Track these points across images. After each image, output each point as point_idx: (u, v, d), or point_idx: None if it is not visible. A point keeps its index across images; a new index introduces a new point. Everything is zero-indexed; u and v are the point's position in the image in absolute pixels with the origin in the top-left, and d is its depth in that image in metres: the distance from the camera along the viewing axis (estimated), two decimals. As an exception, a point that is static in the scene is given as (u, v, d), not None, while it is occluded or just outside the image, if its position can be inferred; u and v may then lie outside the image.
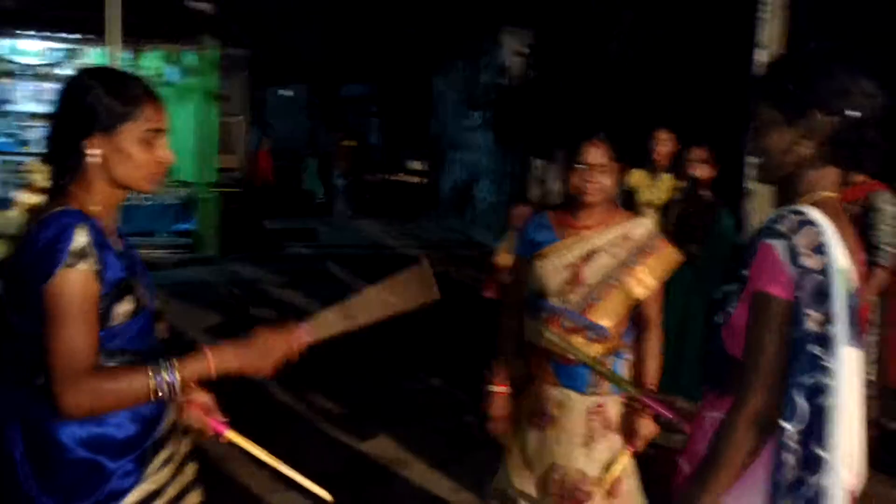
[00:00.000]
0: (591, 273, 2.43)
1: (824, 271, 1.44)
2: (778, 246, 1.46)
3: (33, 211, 1.64)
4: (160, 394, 1.53)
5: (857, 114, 1.48)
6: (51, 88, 11.08)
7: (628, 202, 4.62)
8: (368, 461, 4.07)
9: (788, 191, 1.58)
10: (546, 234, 2.54)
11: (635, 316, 2.52)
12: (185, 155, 10.57)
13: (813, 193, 1.54)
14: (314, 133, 23.76)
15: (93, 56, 10.24)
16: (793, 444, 1.44)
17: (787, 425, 1.44)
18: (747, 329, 1.48)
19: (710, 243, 4.13)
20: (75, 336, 1.49)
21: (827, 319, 1.43)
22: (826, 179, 1.54)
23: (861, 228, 3.85)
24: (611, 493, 2.45)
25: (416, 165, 20.59)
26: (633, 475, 2.54)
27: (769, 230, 1.48)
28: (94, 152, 1.60)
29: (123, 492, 1.60)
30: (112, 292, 1.58)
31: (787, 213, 1.50)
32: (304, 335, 1.69)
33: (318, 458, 3.06)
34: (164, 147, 1.66)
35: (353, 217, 14.01)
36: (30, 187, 1.69)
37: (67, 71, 10.86)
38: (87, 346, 1.51)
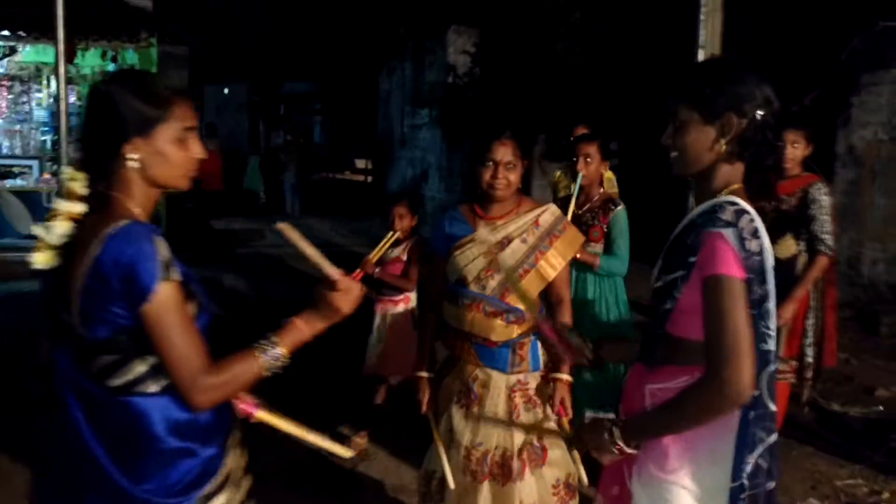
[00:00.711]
0: (505, 259, 2.59)
1: (761, 253, 1.61)
2: (727, 233, 1.58)
3: (77, 220, 1.66)
4: (272, 369, 1.63)
5: (763, 116, 1.65)
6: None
7: (552, 199, 4.61)
8: (330, 454, 4.11)
9: (705, 184, 1.74)
10: (460, 227, 2.71)
11: (546, 295, 2.71)
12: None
13: (730, 186, 1.70)
14: (254, 132, 23.51)
15: (30, 53, 10.00)
16: (760, 409, 1.62)
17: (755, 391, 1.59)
18: (707, 311, 1.58)
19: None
20: (187, 344, 1.57)
21: (765, 295, 1.61)
22: (737, 173, 1.71)
23: (799, 218, 4.04)
24: (536, 462, 2.62)
25: (362, 164, 20.57)
26: (562, 445, 2.69)
27: (714, 220, 1.61)
28: (133, 156, 1.64)
29: (210, 475, 1.70)
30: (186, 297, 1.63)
31: (723, 204, 1.64)
32: (357, 276, 1.75)
33: (279, 452, 3.10)
34: (196, 143, 1.72)
35: (301, 216, 13.94)
36: (68, 195, 1.68)
37: (0, 69, 10.59)
38: (198, 349, 1.58)
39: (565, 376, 2.66)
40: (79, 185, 1.67)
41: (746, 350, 1.54)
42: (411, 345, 4.21)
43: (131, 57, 10.24)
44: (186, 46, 13.60)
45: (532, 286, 2.60)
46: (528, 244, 2.63)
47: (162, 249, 1.56)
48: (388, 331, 4.30)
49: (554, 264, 2.65)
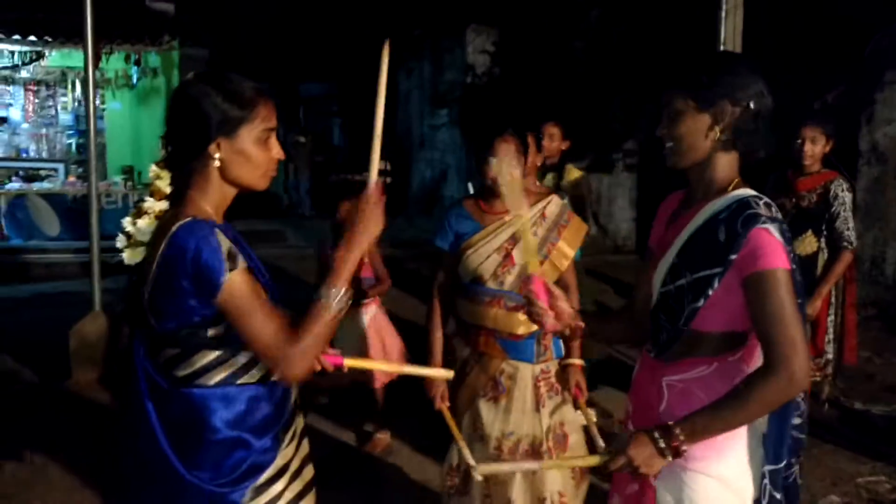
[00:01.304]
0: (520, 253, 2.66)
1: (791, 243, 1.66)
2: (772, 228, 1.62)
3: (161, 217, 1.73)
4: (344, 309, 1.64)
5: (756, 106, 1.69)
6: (12, 91, 10.94)
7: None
8: (354, 449, 4.17)
9: (702, 176, 1.76)
10: (468, 224, 2.77)
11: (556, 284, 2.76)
12: (152, 158, 10.50)
13: (733, 181, 1.73)
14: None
15: (56, 58, 10.14)
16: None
17: None
18: (765, 304, 1.59)
19: None
20: (263, 325, 1.61)
21: (799, 286, 1.64)
22: (734, 165, 1.74)
23: (819, 215, 4.04)
24: (561, 448, 2.74)
25: (381, 165, 20.63)
26: (580, 430, 2.80)
27: (756, 216, 1.63)
28: (217, 156, 1.68)
29: (263, 466, 1.73)
30: None
31: (749, 200, 1.67)
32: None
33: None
34: (276, 145, 1.75)
35: (316, 217, 13.99)
36: (155, 194, 1.77)
37: (27, 74, 10.75)
38: (275, 326, 1.62)
39: (578, 361, 2.77)
40: (164, 182, 1.74)
41: (804, 339, 1.58)
42: (392, 343, 4.26)
43: (154, 60, 10.39)
44: (206, 49, 13.74)
45: (548, 277, 2.62)
46: (539, 237, 2.72)
47: (223, 241, 1.61)
48: (370, 333, 4.30)
49: (566, 254, 2.76)
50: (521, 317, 2.65)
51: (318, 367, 1.89)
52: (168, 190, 1.74)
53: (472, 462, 2.60)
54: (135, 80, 10.45)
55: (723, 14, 6.00)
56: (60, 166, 10.35)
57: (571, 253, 2.79)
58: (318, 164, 15.57)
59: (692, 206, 1.80)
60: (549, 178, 4.60)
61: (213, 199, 1.72)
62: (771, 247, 1.60)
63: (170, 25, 10.13)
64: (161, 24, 10.07)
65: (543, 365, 2.75)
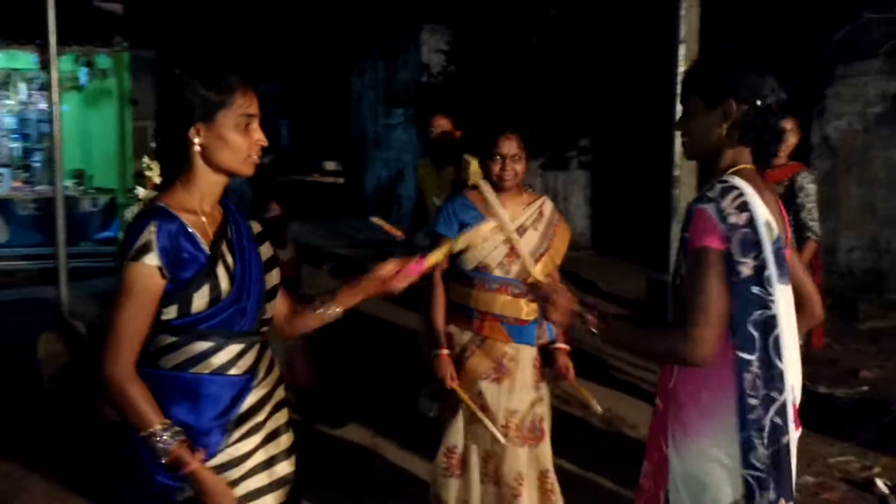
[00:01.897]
0: (524, 246, 2.86)
1: (750, 225, 1.73)
2: (708, 208, 1.74)
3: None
4: (147, 442, 1.68)
5: (763, 103, 1.80)
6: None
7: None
8: (344, 445, 4.16)
9: (711, 166, 1.89)
10: (472, 213, 2.90)
11: None
12: (102, 161, 10.28)
13: (734, 167, 1.84)
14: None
15: (0, 60, 9.83)
16: (754, 370, 1.74)
17: (748, 356, 1.73)
18: (688, 277, 1.75)
19: None
20: (126, 318, 1.68)
21: (761, 265, 1.72)
22: (741, 155, 1.86)
23: (787, 205, 4.18)
24: (548, 423, 3.01)
25: (331, 166, 20.46)
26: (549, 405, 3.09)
27: (700, 197, 1.78)
28: (196, 141, 1.75)
29: (209, 448, 1.76)
30: (189, 282, 1.73)
31: (713, 183, 1.80)
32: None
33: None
34: (258, 131, 1.80)
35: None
36: (147, 182, 1.87)
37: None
38: (134, 329, 1.69)
39: (564, 345, 3.02)
40: (154, 173, 1.80)
41: (713, 317, 1.70)
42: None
43: (104, 61, 10.13)
44: (154, 50, 13.45)
45: (546, 269, 2.91)
46: (539, 232, 2.92)
47: (148, 234, 1.68)
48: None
49: (560, 250, 2.99)
50: (524, 303, 2.85)
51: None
52: (158, 180, 1.83)
53: (497, 432, 2.80)
54: (83, 82, 10.18)
55: (682, 12, 6.14)
56: (6, 171, 10.01)
57: (563, 249, 3.00)
58: (263, 165, 15.35)
59: None
60: (450, 171, 4.59)
61: (198, 187, 1.79)
62: (701, 225, 1.73)
63: (121, 26, 9.90)
64: (112, 25, 9.84)
65: (536, 349, 2.98)
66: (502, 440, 2.80)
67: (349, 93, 15.21)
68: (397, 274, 1.96)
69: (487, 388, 2.87)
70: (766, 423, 1.74)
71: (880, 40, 5.99)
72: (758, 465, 1.74)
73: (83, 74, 10.17)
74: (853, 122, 6.71)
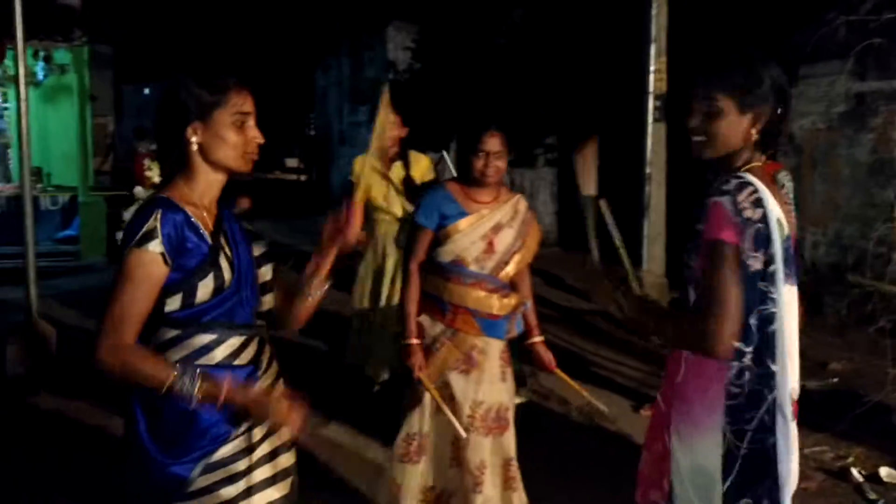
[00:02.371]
0: (500, 242, 2.93)
1: (763, 220, 1.75)
2: (725, 201, 1.76)
3: None
4: (173, 390, 1.69)
5: (784, 110, 1.84)
6: None
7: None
8: (326, 446, 4.12)
9: (728, 163, 1.88)
10: (453, 206, 2.94)
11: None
12: (61, 158, 10.04)
13: (749, 164, 1.85)
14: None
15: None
16: (747, 362, 1.77)
17: (745, 348, 1.76)
18: (703, 271, 1.77)
19: None
20: (123, 308, 1.70)
21: (769, 260, 1.75)
22: (755, 155, 1.87)
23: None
24: (512, 412, 3.05)
25: (293, 163, 20.29)
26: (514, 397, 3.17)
27: (717, 190, 1.78)
28: (194, 139, 1.79)
29: (216, 442, 1.78)
30: (195, 271, 1.75)
31: (729, 177, 1.81)
32: (302, 422, 1.84)
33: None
34: (253, 128, 1.84)
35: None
36: (146, 182, 1.88)
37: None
38: (132, 315, 1.71)
39: (539, 338, 3.13)
40: (154, 173, 1.81)
41: (731, 309, 1.72)
42: None
43: (63, 56, 9.89)
44: (111, 45, 13.18)
45: (520, 265, 3.01)
46: (514, 229, 2.97)
47: (153, 221, 1.71)
48: None
49: (532, 248, 3.05)
50: (497, 298, 2.93)
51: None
52: (157, 180, 1.85)
53: (460, 428, 2.84)
54: (41, 77, 9.92)
55: (653, 11, 6.22)
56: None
57: (535, 248, 3.07)
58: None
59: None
60: (398, 167, 4.57)
61: (198, 185, 1.83)
62: (717, 218, 1.75)
63: (80, 21, 9.67)
64: (71, 19, 9.60)
65: (504, 342, 3.03)
66: (463, 434, 2.84)
67: (313, 90, 15.10)
68: (338, 225, 1.96)
69: (455, 379, 2.93)
70: (755, 418, 1.78)
71: (845, 41, 6.13)
72: (734, 455, 1.80)
73: (41, 70, 9.91)
74: (817, 121, 6.87)
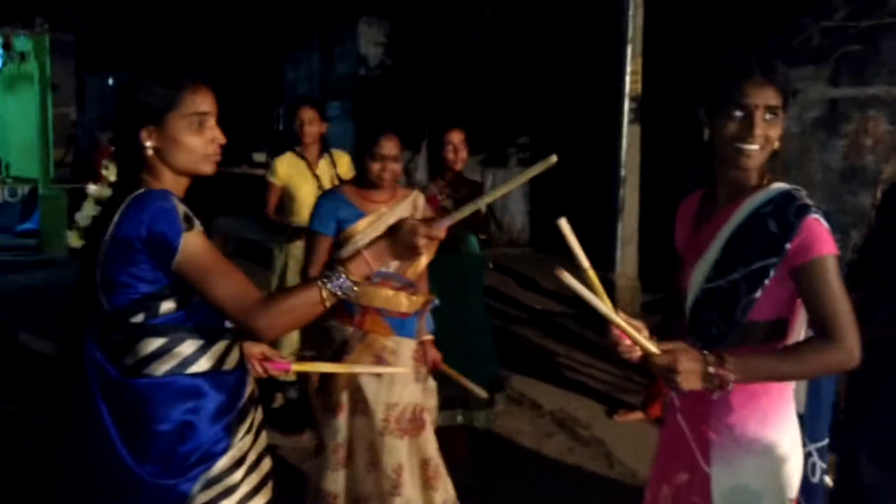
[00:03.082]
0: None
1: None
2: (821, 217, 1.70)
3: (104, 203, 1.70)
4: (336, 298, 1.63)
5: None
6: None
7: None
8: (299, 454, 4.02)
9: (757, 175, 1.80)
10: (349, 209, 2.93)
11: None
12: (21, 148, 9.76)
13: (766, 176, 1.79)
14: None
15: None
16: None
17: None
18: (822, 289, 1.67)
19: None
20: (229, 280, 1.62)
21: None
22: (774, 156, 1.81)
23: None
24: (428, 412, 3.05)
25: (261, 157, 19.99)
26: (434, 395, 3.18)
27: (807, 207, 1.70)
28: (147, 144, 1.68)
29: (215, 456, 1.71)
30: None
31: (791, 192, 1.74)
32: (443, 224, 1.73)
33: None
34: (213, 128, 1.74)
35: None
36: (101, 181, 1.77)
37: None
38: (242, 283, 1.63)
39: (429, 336, 3.15)
40: (111, 172, 1.73)
41: (855, 320, 1.68)
42: None
43: (23, 44, 9.63)
44: (72, 33, 12.86)
45: (424, 262, 2.99)
46: None
47: (179, 205, 1.63)
48: None
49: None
50: (405, 296, 2.93)
51: (259, 373, 2.01)
52: (113, 178, 1.79)
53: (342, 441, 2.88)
54: (0, 65, 9.64)
55: (630, 12, 6.18)
56: None
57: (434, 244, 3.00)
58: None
59: (723, 205, 1.84)
60: (324, 163, 4.53)
61: (166, 185, 1.73)
62: (823, 235, 1.69)
63: (42, 8, 9.41)
64: (32, 5, 9.33)
65: (416, 341, 3.04)
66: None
67: (282, 84, 14.90)
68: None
69: (367, 382, 2.88)
70: (825, 418, 1.89)
71: (818, 47, 6.15)
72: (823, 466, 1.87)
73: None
74: (790, 126, 6.88)
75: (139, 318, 1.65)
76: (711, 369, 1.59)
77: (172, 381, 1.68)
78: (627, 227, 6.41)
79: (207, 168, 1.75)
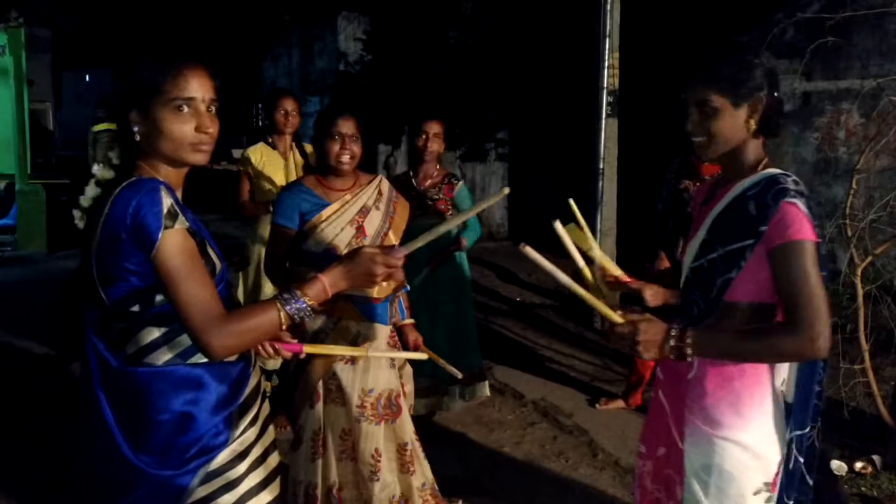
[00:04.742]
0: (370, 226, 2.93)
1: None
2: (799, 203, 1.72)
3: (106, 185, 1.66)
4: (294, 321, 1.61)
5: (780, 94, 1.81)
6: None
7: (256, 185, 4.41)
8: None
9: (740, 160, 1.85)
10: (312, 199, 2.91)
11: None
12: (-1, 143, 9.66)
13: (762, 161, 1.83)
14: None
15: None
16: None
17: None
18: (791, 273, 1.68)
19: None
20: (198, 288, 1.55)
21: None
22: (761, 146, 1.86)
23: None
24: (404, 397, 3.07)
25: (239, 153, 19.89)
26: (411, 380, 3.24)
27: (785, 191, 1.73)
28: (135, 129, 1.63)
29: (214, 449, 1.67)
30: (199, 249, 1.63)
31: (779, 177, 1.77)
32: (400, 253, 1.72)
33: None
34: (200, 115, 1.65)
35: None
36: (105, 163, 1.69)
37: None
38: (210, 294, 1.57)
39: (409, 321, 3.19)
40: (114, 154, 1.69)
41: (827, 309, 1.67)
42: None
43: (-1, 38, 9.51)
44: (49, 29, 12.74)
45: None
46: (381, 211, 2.99)
47: (166, 199, 1.56)
48: None
49: (399, 225, 3.04)
50: (383, 283, 2.89)
51: (269, 354, 2.02)
52: (116, 161, 1.71)
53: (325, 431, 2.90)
54: (-25, 61, 9.52)
55: (608, 7, 6.24)
56: None
57: (403, 225, 3.05)
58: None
59: (721, 188, 1.91)
60: (296, 155, 4.51)
61: (160, 172, 1.67)
62: (798, 219, 1.70)
63: (17, 2, 9.31)
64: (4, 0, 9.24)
65: (391, 326, 3.05)
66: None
67: (261, 80, 14.83)
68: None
69: (342, 370, 2.88)
70: (811, 407, 1.79)
71: (791, 41, 6.25)
72: (800, 459, 1.79)
73: (-26, 52, 9.52)
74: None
75: (136, 307, 1.62)
76: (672, 342, 1.69)
77: (172, 371, 1.64)
78: (606, 219, 6.48)
79: (195, 158, 1.67)
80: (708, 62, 1.82)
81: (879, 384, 4.05)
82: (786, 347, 1.68)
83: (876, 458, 3.84)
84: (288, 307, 1.60)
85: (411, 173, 4.29)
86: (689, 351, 1.69)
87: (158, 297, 1.61)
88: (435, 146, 4.18)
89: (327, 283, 1.66)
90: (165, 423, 1.63)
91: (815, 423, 1.83)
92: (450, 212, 4.20)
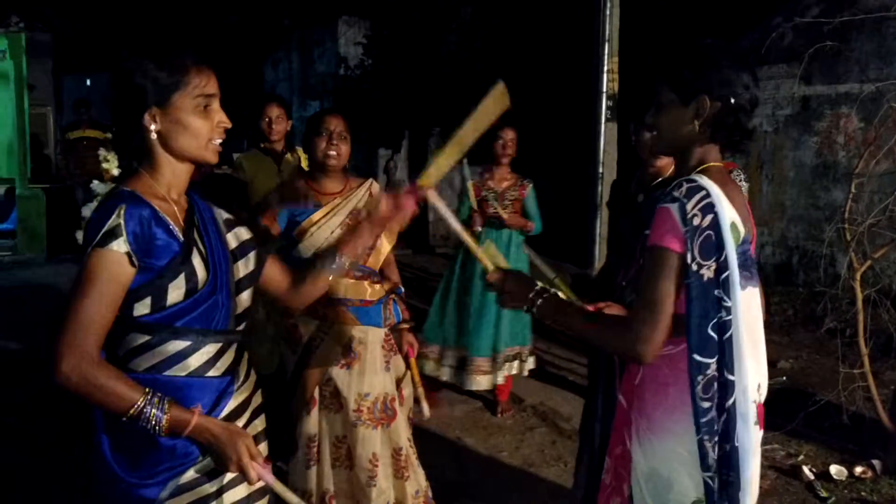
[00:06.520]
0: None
1: (714, 227, 1.66)
2: (672, 208, 1.68)
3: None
4: (139, 419, 1.53)
5: (736, 101, 1.74)
6: None
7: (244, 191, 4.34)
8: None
9: (682, 163, 1.83)
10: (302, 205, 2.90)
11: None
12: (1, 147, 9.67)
13: (703, 165, 1.78)
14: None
15: None
16: (710, 373, 1.69)
17: (706, 360, 1.68)
18: (642, 274, 1.71)
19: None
20: (87, 309, 1.51)
21: (721, 267, 1.67)
22: (711, 153, 1.79)
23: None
24: (400, 401, 3.02)
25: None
26: (409, 383, 3.13)
27: (666, 196, 1.71)
28: (152, 127, 1.61)
29: (184, 463, 1.63)
30: (164, 272, 1.58)
31: (681, 182, 1.73)
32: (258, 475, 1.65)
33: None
34: (219, 112, 1.67)
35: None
36: (104, 175, 1.68)
37: None
38: (95, 322, 1.52)
39: (406, 324, 3.13)
40: (112, 165, 1.64)
41: (662, 317, 1.66)
42: None
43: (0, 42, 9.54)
44: (50, 33, 12.74)
45: (385, 249, 3.00)
46: None
47: (117, 218, 1.53)
48: None
49: (393, 228, 2.93)
50: (367, 285, 2.92)
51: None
52: (116, 172, 1.68)
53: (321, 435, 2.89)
54: (-25, 65, 9.55)
55: (608, 11, 6.25)
56: None
57: (396, 229, 3.00)
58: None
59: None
60: (289, 159, 4.50)
61: (163, 177, 1.66)
62: (663, 225, 1.68)
63: (18, 6, 9.34)
64: (8, 4, 9.27)
65: (386, 328, 3.01)
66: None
67: (262, 84, 14.85)
68: (396, 208, 1.89)
69: (337, 374, 2.87)
70: (719, 426, 1.71)
71: (790, 45, 6.26)
72: (712, 467, 1.72)
73: (-26, 56, 9.55)
74: (764, 124, 7.00)
75: (120, 312, 1.58)
76: (530, 297, 1.83)
77: (151, 380, 1.59)
78: (605, 224, 6.48)
79: (210, 156, 1.67)
80: (669, 57, 1.81)
81: (879, 388, 4.03)
82: (612, 340, 1.76)
83: (876, 462, 3.84)
84: (147, 407, 1.53)
85: (486, 175, 4.68)
86: (534, 311, 1.83)
87: (137, 305, 1.58)
88: (510, 150, 4.58)
89: (195, 422, 1.58)
90: (137, 429, 1.57)
91: (705, 434, 1.73)
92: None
